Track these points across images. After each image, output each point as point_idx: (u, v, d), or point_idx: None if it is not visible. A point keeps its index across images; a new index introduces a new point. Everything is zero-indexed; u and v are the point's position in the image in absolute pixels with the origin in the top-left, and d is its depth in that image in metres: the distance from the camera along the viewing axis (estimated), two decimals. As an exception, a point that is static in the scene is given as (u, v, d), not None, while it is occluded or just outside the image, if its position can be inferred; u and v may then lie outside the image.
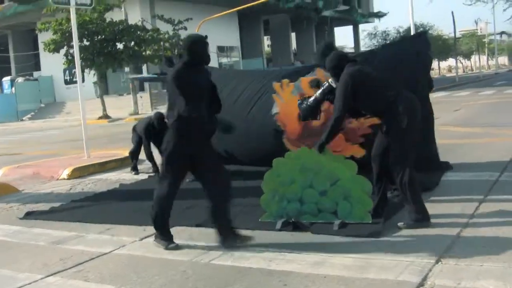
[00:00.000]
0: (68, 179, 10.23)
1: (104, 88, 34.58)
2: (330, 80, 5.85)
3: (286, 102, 6.72)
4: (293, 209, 5.82)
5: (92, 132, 22.59)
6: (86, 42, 29.14)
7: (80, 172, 10.50)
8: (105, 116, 30.58)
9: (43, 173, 10.76)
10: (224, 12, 32.22)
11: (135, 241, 5.76)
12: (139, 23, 31.32)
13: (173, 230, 6.02)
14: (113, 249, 5.54)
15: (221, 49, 44.99)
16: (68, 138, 20.20)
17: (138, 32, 30.50)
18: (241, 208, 6.50)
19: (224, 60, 46.54)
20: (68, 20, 29.28)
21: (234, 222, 6.03)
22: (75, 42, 12.52)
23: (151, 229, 6.09)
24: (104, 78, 35.59)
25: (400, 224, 5.46)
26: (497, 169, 7.86)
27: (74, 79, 40.98)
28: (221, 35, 40.69)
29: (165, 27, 32.53)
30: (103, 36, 29.59)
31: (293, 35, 56.62)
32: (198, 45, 5.30)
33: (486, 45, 72.81)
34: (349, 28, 63.80)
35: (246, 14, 43.71)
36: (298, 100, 6.15)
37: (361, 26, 63.71)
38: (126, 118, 29.69)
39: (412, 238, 5.13)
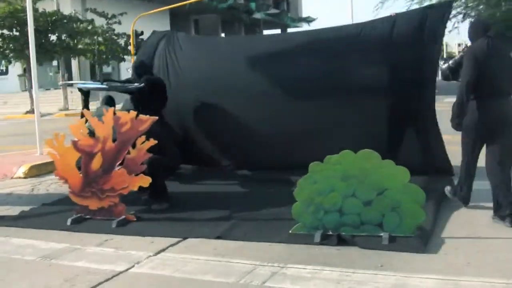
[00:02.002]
0: (24, 177, 9.08)
1: (30, 81, 32.51)
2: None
3: (62, 156, 6.12)
4: (331, 220, 5.07)
5: (23, 127, 21.14)
6: (16, 32, 27.29)
7: (38, 170, 9.34)
8: (33, 111, 28.56)
9: (-7, 170, 9.55)
10: (157, 10, 31.05)
11: (149, 256, 4.85)
12: (73, 15, 29.70)
13: (190, 242, 5.22)
14: (128, 267, 4.61)
15: (153, 47, 43.47)
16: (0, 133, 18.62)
17: (72, 24, 28.88)
18: (267, 218, 5.75)
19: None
20: (-2, 7, 27.44)
21: (260, 233, 5.31)
22: (30, 27, 11.39)
23: (160, 241, 5.27)
24: (30, 71, 33.48)
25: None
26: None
27: (-3, 71, 38.62)
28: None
29: (98, 22, 31.02)
30: (35, 27, 27.71)
31: (223, 36, 55.89)
32: None
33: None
34: (278, 32, 63.64)
35: (177, 13, 42.60)
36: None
37: (290, 30, 63.75)
38: (56, 113, 28.03)
39: (483, 256, 4.51)
